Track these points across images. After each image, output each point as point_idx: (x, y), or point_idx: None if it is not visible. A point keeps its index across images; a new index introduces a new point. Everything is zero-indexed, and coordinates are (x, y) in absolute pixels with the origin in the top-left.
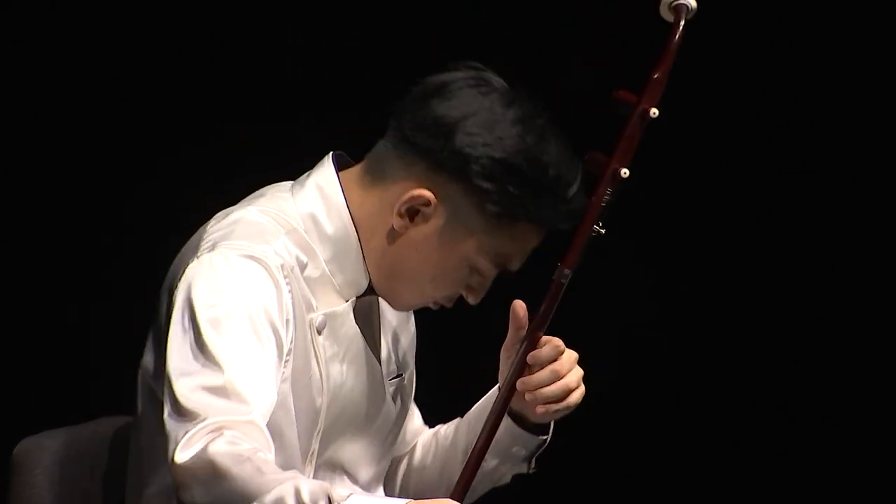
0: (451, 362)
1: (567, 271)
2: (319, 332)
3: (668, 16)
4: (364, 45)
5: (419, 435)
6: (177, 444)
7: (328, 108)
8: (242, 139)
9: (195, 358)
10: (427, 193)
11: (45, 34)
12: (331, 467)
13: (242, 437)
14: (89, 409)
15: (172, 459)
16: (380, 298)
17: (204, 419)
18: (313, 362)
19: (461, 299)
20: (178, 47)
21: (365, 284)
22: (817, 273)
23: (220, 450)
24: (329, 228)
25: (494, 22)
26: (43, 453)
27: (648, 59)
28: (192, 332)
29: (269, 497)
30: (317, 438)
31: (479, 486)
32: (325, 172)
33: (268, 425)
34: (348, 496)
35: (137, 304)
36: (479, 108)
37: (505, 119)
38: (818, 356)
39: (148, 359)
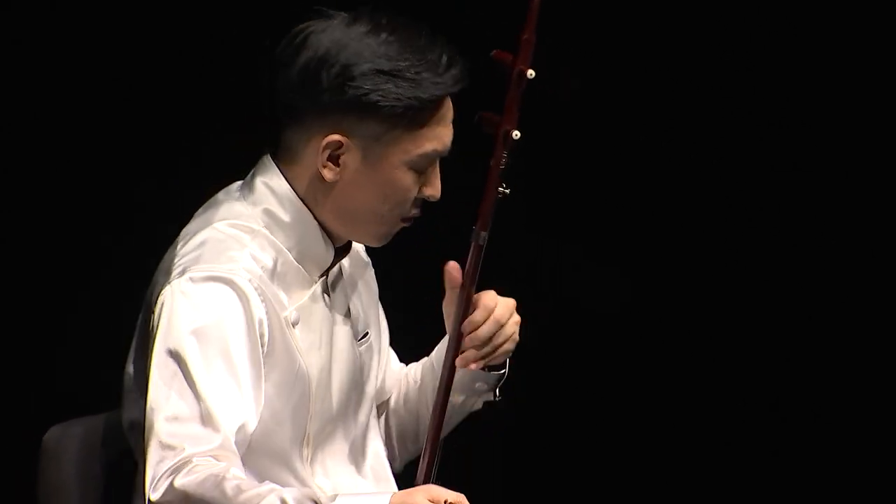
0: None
1: (483, 233)
2: (294, 326)
3: None
4: None
5: (398, 376)
6: (152, 483)
7: None
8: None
9: (168, 387)
10: (333, 136)
11: (52, 34)
12: (327, 441)
13: (214, 462)
14: (114, 399)
15: (148, 500)
16: (341, 263)
17: (178, 452)
18: (296, 356)
19: (429, 204)
20: (178, 48)
21: (330, 256)
22: (812, 272)
23: (191, 479)
24: (286, 217)
25: None
26: (70, 440)
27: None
28: (166, 360)
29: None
30: (311, 422)
31: (452, 420)
32: (267, 169)
33: (256, 430)
34: (334, 498)
35: None
36: (327, 43)
37: (354, 36)
38: (810, 354)
39: (129, 367)
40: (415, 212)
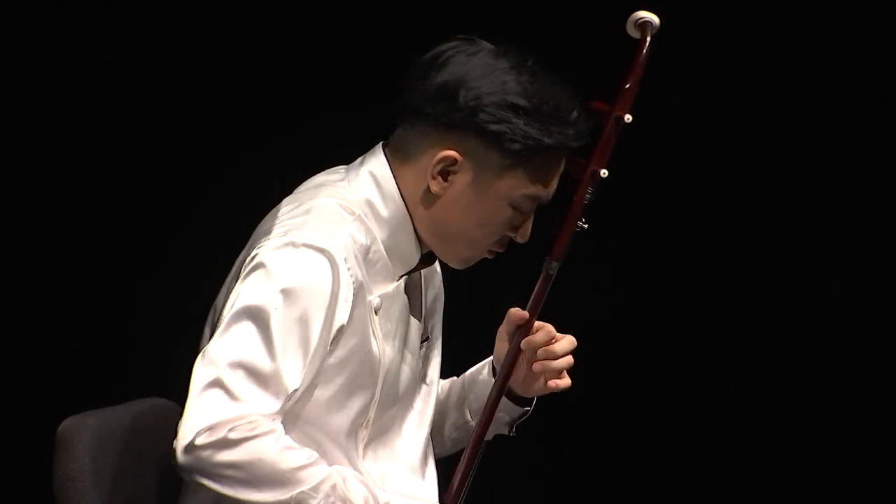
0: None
1: (555, 263)
2: (376, 313)
3: (634, 33)
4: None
5: None
6: (205, 427)
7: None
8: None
9: (244, 333)
10: (451, 153)
11: (104, 38)
12: (385, 429)
13: (272, 425)
14: (126, 392)
15: (189, 442)
16: (422, 272)
17: (240, 405)
18: (371, 340)
19: (513, 243)
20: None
21: (416, 259)
22: (811, 273)
23: (252, 438)
24: (385, 212)
25: None
26: (84, 431)
27: (619, 72)
28: (249, 309)
29: (323, 487)
30: (373, 408)
31: (461, 441)
32: (378, 161)
33: (317, 403)
34: (386, 491)
35: (173, 302)
36: (473, 67)
37: (498, 68)
38: (809, 355)
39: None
40: (500, 248)
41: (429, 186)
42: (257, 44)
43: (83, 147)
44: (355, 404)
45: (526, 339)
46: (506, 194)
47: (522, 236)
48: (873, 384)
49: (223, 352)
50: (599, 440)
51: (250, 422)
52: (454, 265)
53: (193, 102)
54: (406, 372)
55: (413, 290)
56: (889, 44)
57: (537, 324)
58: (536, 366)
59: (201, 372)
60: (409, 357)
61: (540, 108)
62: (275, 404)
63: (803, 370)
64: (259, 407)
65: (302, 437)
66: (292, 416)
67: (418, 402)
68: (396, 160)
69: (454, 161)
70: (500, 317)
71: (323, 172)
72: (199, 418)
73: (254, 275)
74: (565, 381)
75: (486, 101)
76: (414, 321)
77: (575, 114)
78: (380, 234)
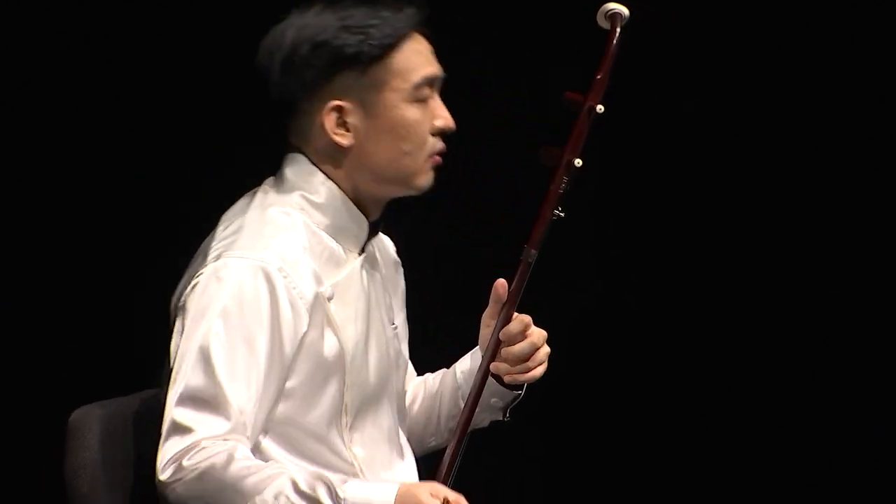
0: (440, 321)
1: (533, 252)
2: (330, 301)
3: (604, 24)
4: None
5: (411, 380)
6: (161, 464)
7: None
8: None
9: (187, 365)
10: (332, 103)
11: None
12: (366, 412)
13: (222, 444)
14: (135, 383)
15: (158, 480)
16: (375, 255)
17: (188, 435)
18: (330, 330)
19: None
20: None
21: (365, 230)
22: (811, 273)
23: (198, 461)
24: (319, 198)
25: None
26: (95, 420)
27: (591, 64)
28: (190, 340)
29: (268, 493)
30: (348, 392)
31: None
32: (294, 160)
33: (290, 405)
34: (345, 480)
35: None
36: (292, 31)
37: (310, 18)
38: (784, 339)
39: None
40: (440, 146)
41: (340, 146)
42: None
43: (83, 147)
44: (328, 394)
45: (504, 329)
46: (397, 98)
47: (445, 123)
48: (850, 363)
49: (173, 395)
50: (581, 429)
51: (202, 448)
52: (420, 188)
53: (193, 102)
54: (375, 352)
55: (370, 272)
56: (870, 34)
57: (515, 315)
58: (503, 366)
59: (164, 420)
60: (376, 337)
61: (362, 14)
62: (224, 424)
63: (786, 357)
64: (209, 430)
65: (279, 439)
66: (267, 423)
67: (395, 380)
68: (307, 149)
69: (340, 108)
70: (482, 305)
71: (256, 188)
72: (161, 460)
73: (194, 301)
74: (534, 373)
75: (319, 42)
76: (375, 302)
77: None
78: (321, 221)
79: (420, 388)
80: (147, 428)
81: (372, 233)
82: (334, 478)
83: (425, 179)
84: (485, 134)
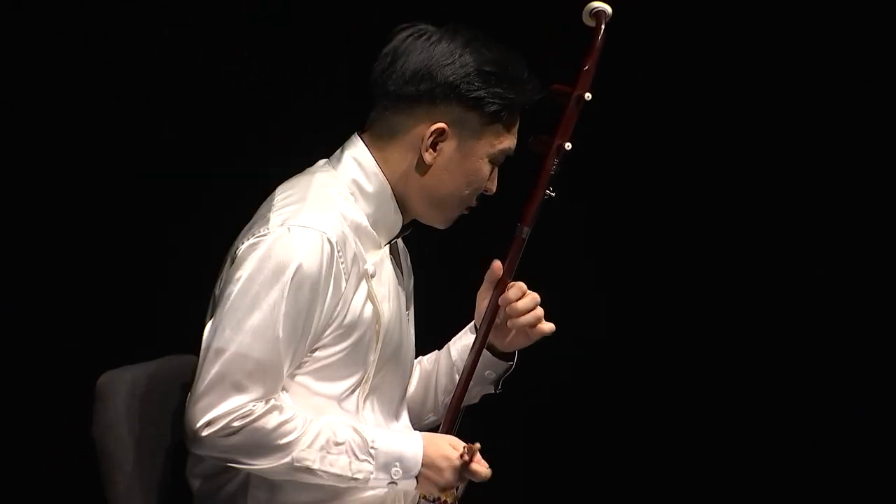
0: (434, 302)
1: (526, 228)
2: (372, 278)
3: (589, 21)
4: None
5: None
6: (205, 417)
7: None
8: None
9: (244, 318)
10: (440, 125)
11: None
12: (382, 383)
13: (267, 406)
14: (161, 348)
15: (196, 430)
16: (398, 242)
17: (245, 395)
18: (370, 304)
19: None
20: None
21: (399, 226)
22: (810, 275)
23: (251, 423)
24: (369, 188)
25: None
26: (122, 384)
27: (576, 59)
28: (247, 293)
29: (308, 436)
30: (373, 365)
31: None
32: (357, 146)
33: (317, 372)
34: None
35: (205, 262)
36: (435, 49)
37: (458, 46)
38: (774, 330)
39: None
40: (475, 203)
41: (421, 159)
42: (257, 44)
43: (83, 147)
44: (360, 362)
45: (501, 295)
46: (486, 151)
47: (493, 188)
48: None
49: (222, 348)
50: (576, 426)
51: (249, 410)
52: (440, 226)
53: (193, 102)
54: (399, 331)
55: (394, 260)
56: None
57: (511, 283)
58: (509, 322)
59: (207, 361)
60: (400, 317)
61: (504, 71)
62: (272, 389)
63: (776, 350)
64: (256, 394)
65: (307, 402)
66: (299, 387)
67: (407, 359)
68: (378, 142)
69: (443, 131)
70: (479, 281)
71: (312, 167)
72: (203, 412)
73: (255, 260)
74: (546, 327)
75: (462, 73)
76: (399, 286)
77: (527, 72)
78: (367, 208)
79: (416, 368)
80: (171, 390)
81: (402, 231)
82: (365, 427)
83: (450, 223)
84: None
